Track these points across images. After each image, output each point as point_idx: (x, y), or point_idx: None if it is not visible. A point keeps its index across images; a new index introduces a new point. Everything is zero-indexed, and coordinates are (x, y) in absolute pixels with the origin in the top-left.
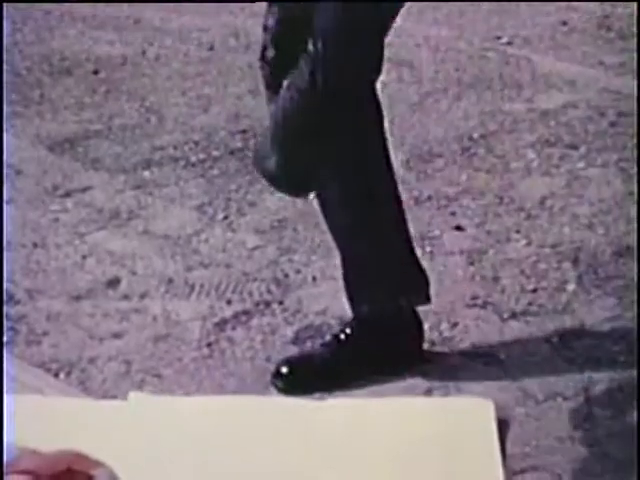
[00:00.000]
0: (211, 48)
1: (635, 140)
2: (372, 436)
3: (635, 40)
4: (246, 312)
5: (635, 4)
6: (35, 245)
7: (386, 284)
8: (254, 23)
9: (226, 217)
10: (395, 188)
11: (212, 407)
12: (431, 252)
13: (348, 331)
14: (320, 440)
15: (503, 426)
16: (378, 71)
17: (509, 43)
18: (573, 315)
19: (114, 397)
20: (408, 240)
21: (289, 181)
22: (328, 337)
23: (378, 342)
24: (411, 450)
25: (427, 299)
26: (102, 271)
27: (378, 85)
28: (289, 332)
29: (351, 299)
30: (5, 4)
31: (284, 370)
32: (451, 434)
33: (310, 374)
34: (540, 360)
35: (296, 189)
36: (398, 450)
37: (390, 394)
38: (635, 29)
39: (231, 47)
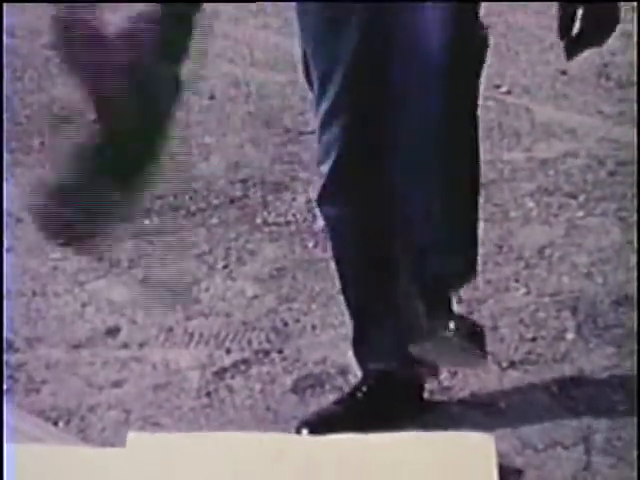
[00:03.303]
0: (211, 97)
1: (634, 189)
2: (373, 469)
3: (634, 89)
4: (245, 361)
5: (635, 11)
6: (34, 293)
7: (408, 334)
8: (255, 72)
9: (226, 266)
10: None
11: (209, 444)
12: None
13: (364, 389)
14: (322, 475)
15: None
16: None
17: (508, 92)
18: (572, 364)
19: (113, 445)
20: None
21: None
22: (342, 394)
23: (390, 396)
24: None
25: None
26: (101, 320)
27: None
28: (288, 381)
29: (365, 354)
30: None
31: (304, 432)
32: (452, 467)
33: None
34: (539, 409)
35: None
36: None
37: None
38: (634, 78)
39: (231, 96)
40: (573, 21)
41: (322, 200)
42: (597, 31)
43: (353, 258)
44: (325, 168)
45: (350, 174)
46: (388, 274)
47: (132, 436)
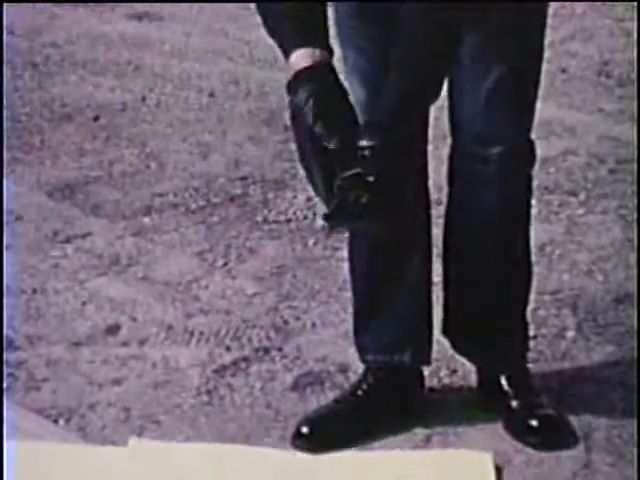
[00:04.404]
0: (211, 95)
1: (634, 187)
2: None
3: (634, 87)
4: (245, 359)
5: (635, 10)
6: (35, 291)
7: (398, 337)
8: (254, 70)
9: (226, 264)
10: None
11: (210, 455)
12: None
13: (365, 387)
14: None
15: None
16: None
17: None
18: (572, 362)
19: (113, 443)
20: (429, 293)
21: None
22: (342, 392)
23: (390, 394)
24: None
25: (429, 360)
26: (102, 317)
27: None
28: (288, 379)
29: (360, 347)
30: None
31: (305, 430)
32: None
33: (331, 433)
34: None
35: None
36: None
37: (390, 442)
38: (634, 76)
39: (231, 94)
40: None
41: None
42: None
43: (368, 242)
44: None
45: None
46: (401, 265)
47: (133, 442)
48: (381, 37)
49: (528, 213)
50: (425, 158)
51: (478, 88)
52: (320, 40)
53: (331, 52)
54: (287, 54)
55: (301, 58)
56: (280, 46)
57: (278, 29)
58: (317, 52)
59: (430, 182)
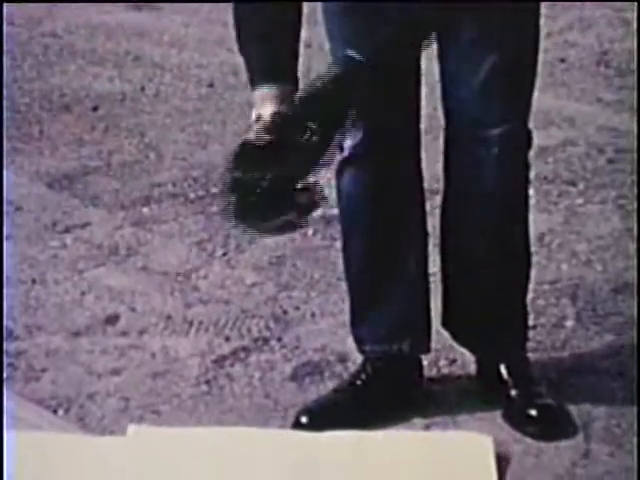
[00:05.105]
0: (210, 85)
1: (633, 177)
2: (371, 470)
3: (634, 77)
4: (245, 349)
5: (635, 9)
6: (34, 281)
7: (396, 327)
8: None
9: (225, 254)
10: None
11: (212, 439)
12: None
13: (363, 376)
14: (319, 473)
15: (503, 462)
16: None
17: None
18: (572, 351)
19: (113, 433)
20: (427, 283)
21: None
22: (342, 382)
23: (389, 384)
24: None
25: (428, 349)
26: (101, 307)
27: None
28: (288, 369)
29: (358, 339)
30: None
31: (304, 420)
32: (450, 469)
33: (330, 423)
34: None
35: None
36: None
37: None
38: (634, 65)
39: (230, 84)
40: None
41: (342, 174)
42: None
43: (364, 233)
44: (349, 142)
45: (376, 144)
46: (397, 256)
47: (132, 429)
48: (369, 32)
49: (526, 203)
50: (418, 151)
51: (475, 73)
52: (286, 72)
53: (296, 83)
54: (252, 84)
55: (263, 101)
56: (247, 69)
57: (247, 49)
58: (281, 92)
59: (427, 173)
